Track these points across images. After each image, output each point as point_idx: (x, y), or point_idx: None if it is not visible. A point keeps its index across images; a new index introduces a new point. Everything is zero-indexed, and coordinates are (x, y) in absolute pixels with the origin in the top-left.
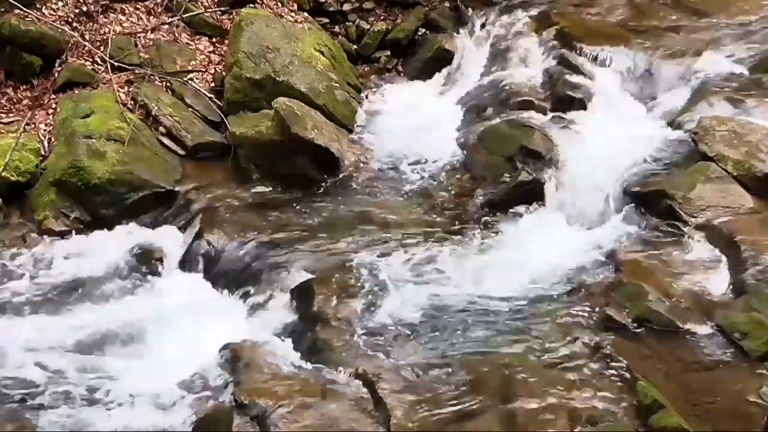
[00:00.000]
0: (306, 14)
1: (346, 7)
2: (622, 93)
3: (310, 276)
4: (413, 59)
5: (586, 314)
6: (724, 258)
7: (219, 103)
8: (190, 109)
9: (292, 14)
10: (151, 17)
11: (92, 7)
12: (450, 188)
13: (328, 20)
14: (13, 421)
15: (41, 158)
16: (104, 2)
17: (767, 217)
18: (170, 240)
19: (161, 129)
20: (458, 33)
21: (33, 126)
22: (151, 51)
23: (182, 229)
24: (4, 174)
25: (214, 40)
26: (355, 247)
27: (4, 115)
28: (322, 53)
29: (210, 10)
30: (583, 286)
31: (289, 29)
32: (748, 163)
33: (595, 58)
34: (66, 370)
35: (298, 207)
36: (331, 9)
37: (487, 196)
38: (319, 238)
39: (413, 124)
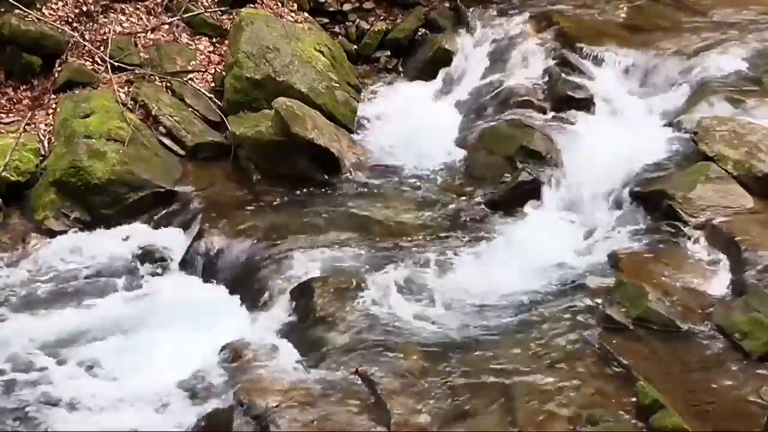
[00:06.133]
0: (306, 14)
1: (346, 7)
2: (622, 93)
3: (310, 276)
4: (413, 59)
5: (586, 314)
6: (724, 258)
7: (219, 103)
8: (190, 109)
9: (292, 14)
10: (151, 17)
11: (92, 7)
12: (450, 188)
13: (328, 20)
14: (11, 421)
15: (41, 158)
16: (104, 2)
17: (767, 217)
18: (170, 240)
19: (161, 129)
20: (458, 33)
21: (33, 126)
22: (151, 51)
23: (182, 229)
24: (4, 174)
25: (214, 40)
26: (355, 246)
27: (4, 115)
28: (322, 53)
29: (210, 10)
30: (583, 286)
31: (289, 29)
32: (748, 163)
33: (595, 58)
34: (65, 369)
35: (298, 207)
36: (331, 9)
37: (487, 196)
38: (319, 238)
39: (413, 124)
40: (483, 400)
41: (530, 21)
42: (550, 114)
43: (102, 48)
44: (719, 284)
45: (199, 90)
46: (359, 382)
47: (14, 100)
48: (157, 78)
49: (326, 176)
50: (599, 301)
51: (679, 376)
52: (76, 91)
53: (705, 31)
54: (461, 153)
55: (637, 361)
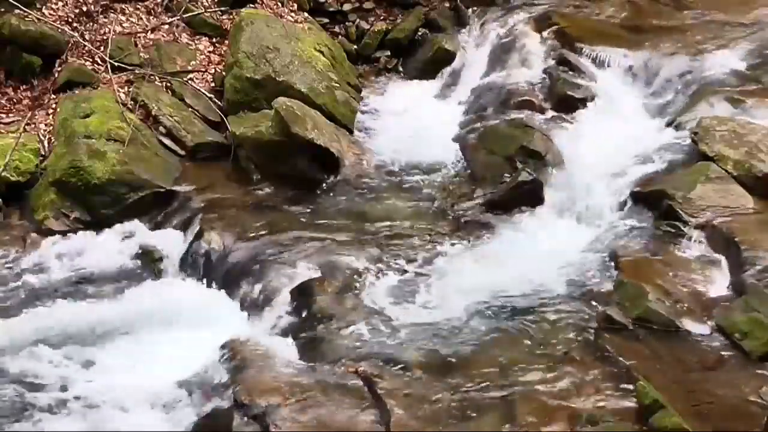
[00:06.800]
0: (306, 14)
1: (346, 7)
2: (622, 93)
3: (310, 276)
4: (413, 59)
5: (586, 314)
6: (724, 258)
7: (219, 103)
8: (190, 109)
9: (292, 14)
10: (151, 17)
11: (92, 7)
12: (450, 188)
13: (328, 20)
14: (10, 421)
15: (41, 158)
16: (104, 2)
17: (767, 217)
18: (170, 240)
19: (161, 129)
20: (458, 33)
21: (33, 126)
22: (151, 51)
23: (182, 229)
24: (4, 174)
25: (214, 40)
26: (355, 246)
27: (4, 115)
28: (322, 53)
29: (210, 10)
30: (583, 286)
31: (289, 29)
32: (748, 163)
33: (595, 58)
34: (65, 370)
35: (298, 207)
36: (331, 9)
37: (487, 196)
38: (319, 238)
39: (413, 124)
40: (483, 400)
41: (530, 21)
42: (550, 114)
43: (102, 48)
44: (719, 284)
45: (199, 90)
46: (359, 382)
47: (14, 100)
48: (157, 78)
49: (326, 176)
50: (599, 301)
51: (679, 376)
52: (76, 91)
53: (705, 31)
54: (461, 153)
55: (637, 361)
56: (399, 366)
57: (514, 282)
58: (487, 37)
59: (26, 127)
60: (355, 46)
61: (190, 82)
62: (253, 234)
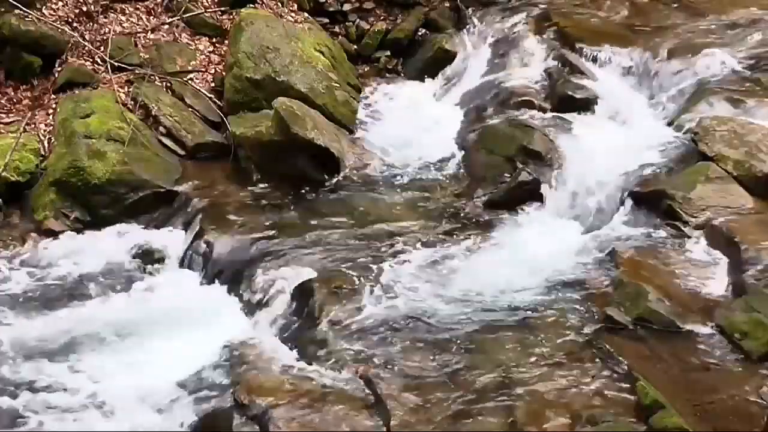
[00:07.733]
0: (306, 14)
1: (346, 7)
2: (622, 93)
3: (310, 276)
4: (413, 59)
5: (586, 314)
6: (724, 258)
7: (219, 103)
8: (190, 109)
9: (292, 14)
10: (151, 17)
11: (92, 7)
12: (450, 188)
13: (328, 20)
14: (10, 422)
15: (41, 158)
16: (104, 2)
17: (767, 217)
18: (170, 240)
19: (161, 129)
20: (458, 33)
21: (33, 126)
22: (151, 51)
23: (182, 229)
24: (4, 174)
25: (214, 40)
26: (355, 247)
27: (4, 115)
28: (322, 53)
29: (210, 10)
30: (583, 286)
31: (289, 29)
32: (748, 163)
33: (595, 58)
34: (65, 369)
35: (298, 207)
36: (331, 9)
37: (487, 196)
38: (320, 238)
39: (413, 124)
40: (483, 400)
41: (530, 21)
42: (550, 114)
43: (102, 48)
44: (719, 284)
45: (199, 90)
46: (359, 382)
47: (14, 100)
48: (157, 78)
49: (326, 176)
50: (599, 301)
51: (679, 376)
52: (76, 91)
53: (705, 31)
54: (461, 153)
55: (637, 361)
56: (399, 366)
57: (514, 282)
58: (487, 37)
59: (26, 127)
60: (355, 46)
61: (190, 82)
62: (253, 234)
